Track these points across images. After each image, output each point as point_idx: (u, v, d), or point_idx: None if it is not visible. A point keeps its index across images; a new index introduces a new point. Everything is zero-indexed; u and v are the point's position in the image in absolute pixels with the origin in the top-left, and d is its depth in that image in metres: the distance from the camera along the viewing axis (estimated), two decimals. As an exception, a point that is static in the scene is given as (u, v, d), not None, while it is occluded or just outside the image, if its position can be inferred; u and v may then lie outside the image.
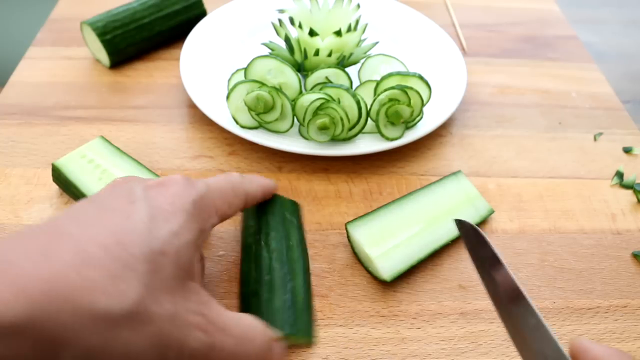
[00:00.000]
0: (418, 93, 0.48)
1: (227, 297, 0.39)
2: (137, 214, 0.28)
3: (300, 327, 0.36)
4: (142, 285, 0.26)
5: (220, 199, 0.34)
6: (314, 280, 0.41)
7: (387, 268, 0.40)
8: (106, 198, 0.30)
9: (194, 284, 0.29)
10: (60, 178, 0.44)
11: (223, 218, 0.34)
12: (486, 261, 0.32)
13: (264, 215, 0.40)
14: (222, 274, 0.41)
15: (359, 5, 0.55)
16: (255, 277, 0.37)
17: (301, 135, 0.50)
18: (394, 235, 0.42)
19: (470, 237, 0.33)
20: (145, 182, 0.31)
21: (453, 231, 0.44)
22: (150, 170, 0.44)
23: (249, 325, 0.31)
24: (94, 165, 0.44)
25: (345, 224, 0.42)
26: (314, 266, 0.42)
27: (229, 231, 0.44)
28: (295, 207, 0.43)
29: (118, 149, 0.46)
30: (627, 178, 0.52)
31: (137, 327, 0.25)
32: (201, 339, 0.28)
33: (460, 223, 0.34)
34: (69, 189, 0.44)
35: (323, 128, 0.47)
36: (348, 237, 0.42)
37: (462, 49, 0.67)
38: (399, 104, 0.48)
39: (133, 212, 0.28)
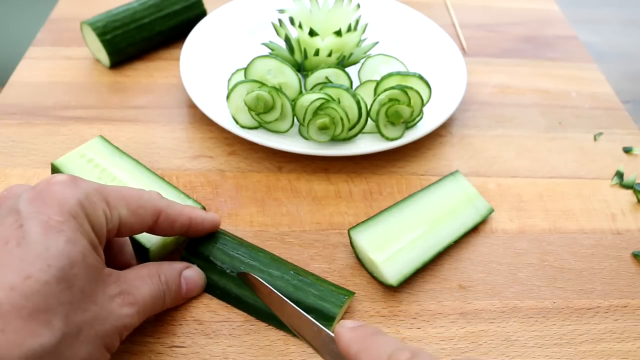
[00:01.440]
0: (418, 93, 0.48)
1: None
2: (30, 237, 0.27)
3: (338, 299, 0.38)
4: (62, 309, 0.27)
5: (115, 199, 0.32)
6: (314, 280, 0.41)
7: (393, 273, 0.40)
8: None
9: (105, 270, 0.31)
10: None
11: (121, 220, 0.33)
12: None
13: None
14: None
15: (359, 5, 0.55)
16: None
17: (301, 135, 0.50)
18: (397, 239, 0.42)
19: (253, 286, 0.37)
20: (27, 192, 0.30)
21: (456, 232, 0.44)
22: (149, 170, 0.44)
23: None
24: (94, 164, 0.44)
25: (348, 230, 0.42)
26: (314, 266, 0.42)
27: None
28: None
29: (117, 148, 0.46)
30: (627, 178, 0.52)
31: (73, 343, 0.27)
32: (131, 312, 0.32)
33: (244, 276, 0.37)
34: None
35: (323, 128, 0.47)
36: (351, 242, 0.42)
37: (462, 49, 0.67)
38: (399, 104, 0.48)
39: (25, 236, 0.27)
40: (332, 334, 0.31)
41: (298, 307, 0.36)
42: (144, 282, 0.34)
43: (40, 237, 0.27)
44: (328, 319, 0.37)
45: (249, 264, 0.39)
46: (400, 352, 0.26)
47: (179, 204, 0.37)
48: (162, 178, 0.44)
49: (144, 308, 0.33)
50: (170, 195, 0.42)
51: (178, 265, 0.38)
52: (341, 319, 0.38)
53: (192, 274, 0.38)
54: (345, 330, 0.29)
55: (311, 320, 0.33)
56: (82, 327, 0.28)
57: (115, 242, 0.37)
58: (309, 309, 0.37)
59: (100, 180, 0.43)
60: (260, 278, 0.37)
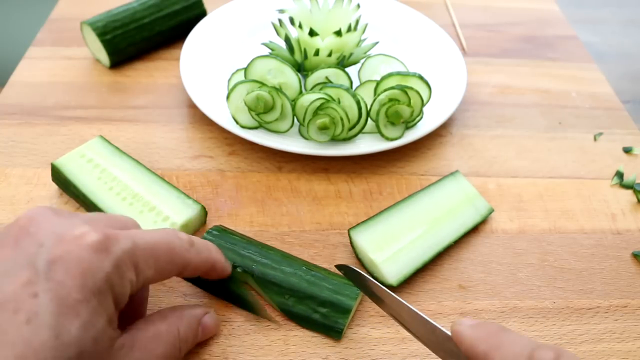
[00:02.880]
0: (418, 93, 0.48)
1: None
2: (42, 316, 0.24)
3: (352, 291, 0.38)
4: None
5: (145, 262, 0.29)
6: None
7: (393, 273, 0.40)
8: (2, 272, 0.25)
9: (118, 342, 0.28)
10: (59, 178, 0.44)
11: (144, 283, 0.30)
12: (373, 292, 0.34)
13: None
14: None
15: (359, 5, 0.55)
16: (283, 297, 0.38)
17: (301, 135, 0.50)
18: (397, 239, 0.42)
19: (355, 278, 0.35)
20: (51, 245, 0.26)
21: (456, 232, 0.44)
22: (149, 170, 0.44)
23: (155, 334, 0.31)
24: (93, 164, 0.44)
25: (348, 230, 0.42)
26: (314, 266, 0.42)
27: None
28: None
29: (117, 148, 0.46)
30: (627, 178, 0.52)
31: None
32: None
33: (342, 269, 0.36)
34: (69, 189, 0.44)
35: (323, 128, 0.47)
36: (351, 242, 0.42)
37: (462, 49, 0.67)
38: (399, 104, 0.48)
39: (37, 312, 0.24)
40: (448, 332, 0.29)
41: (313, 301, 0.37)
42: (159, 342, 0.31)
43: (54, 320, 0.24)
44: (344, 312, 0.37)
45: (260, 262, 0.39)
46: (542, 351, 0.25)
47: (204, 243, 0.34)
48: (162, 178, 0.44)
49: None
50: (171, 195, 0.43)
51: (198, 312, 0.35)
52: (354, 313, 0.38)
53: (210, 321, 0.36)
54: (467, 328, 0.28)
55: (424, 318, 0.31)
56: None
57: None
58: (324, 303, 0.37)
59: (100, 180, 0.43)
60: (273, 275, 0.38)
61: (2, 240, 0.27)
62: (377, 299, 0.34)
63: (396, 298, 0.33)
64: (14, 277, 0.25)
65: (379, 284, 0.34)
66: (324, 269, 0.40)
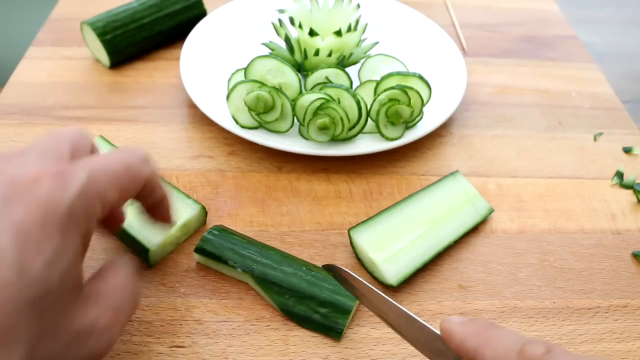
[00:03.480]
0: (418, 93, 0.48)
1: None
2: (2, 254, 0.23)
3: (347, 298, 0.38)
4: (27, 341, 0.23)
5: (106, 189, 0.27)
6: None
7: (393, 273, 0.40)
8: None
9: (85, 291, 0.27)
10: None
11: (110, 208, 0.28)
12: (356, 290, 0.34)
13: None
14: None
15: (359, 5, 0.55)
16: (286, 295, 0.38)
17: (301, 135, 0.50)
18: (397, 239, 0.42)
19: (340, 277, 0.35)
20: (5, 181, 0.25)
21: (456, 232, 0.44)
22: None
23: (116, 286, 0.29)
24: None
25: (348, 230, 0.42)
26: (314, 266, 0.42)
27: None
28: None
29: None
30: (627, 178, 0.52)
31: None
32: (111, 335, 0.27)
33: (329, 268, 0.35)
34: None
35: (323, 128, 0.47)
36: (351, 242, 0.42)
37: (462, 49, 0.67)
38: (399, 104, 0.48)
39: None
40: (437, 331, 0.30)
41: (314, 302, 0.37)
42: (125, 293, 0.29)
43: (16, 258, 0.23)
44: (344, 312, 0.37)
45: (260, 262, 0.39)
46: (532, 345, 0.25)
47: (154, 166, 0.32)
48: (162, 178, 0.44)
49: (123, 323, 0.29)
50: (171, 195, 0.42)
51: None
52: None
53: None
54: (455, 325, 0.28)
55: (413, 317, 0.31)
56: (50, 359, 0.24)
57: None
58: (324, 303, 0.37)
59: None
60: (274, 275, 0.38)
61: None
62: (363, 298, 0.34)
63: (382, 296, 0.32)
64: None
65: (364, 282, 0.33)
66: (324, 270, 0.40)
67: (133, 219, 0.40)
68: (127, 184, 0.29)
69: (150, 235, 0.40)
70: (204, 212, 0.43)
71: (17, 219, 0.24)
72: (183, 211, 0.42)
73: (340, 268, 0.35)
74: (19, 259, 0.23)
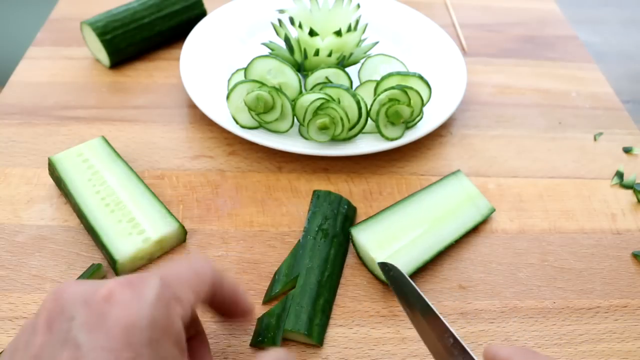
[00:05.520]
0: (418, 93, 0.48)
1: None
2: None
3: (313, 330, 0.37)
4: None
5: (180, 289, 0.28)
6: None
7: None
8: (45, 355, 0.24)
9: None
10: (54, 173, 0.44)
11: (192, 308, 0.28)
12: (413, 302, 0.34)
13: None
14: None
15: (359, 5, 0.55)
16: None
17: (301, 135, 0.50)
18: (398, 238, 0.42)
19: (397, 281, 0.35)
20: (82, 312, 0.25)
21: (457, 232, 0.44)
22: (140, 179, 0.44)
23: None
24: (88, 165, 0.44)
25: (349, 228, 0.42)
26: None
27: (228, 231, 0.44)
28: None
29: (115, 152, 0.46)
30: (627, 178, 0.52)
31: None
32: None
33: (384, 266, 0.35)
34: (60, 185, 0.44)
35: (323, 128, 0.47)
36: (352, 241, 0.42)
37: (462, 49, 0.67)
38: (399, 104, 0.48)
39: None
40: (469, 350, 0.30)
41: None
42: None
43: None
44: None
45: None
46: None
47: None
48: (150, 190, 0.43)
49: None
50: (153, 209, 0.42)
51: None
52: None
53: None
54: (500, 348, 0.28)
55: (451, 330, 0.31)
56: None
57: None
58: None
59: (90, 182, 0.43)
60: None
61: (34, 329, 0.25)
62: (411, 308, 0.33)
63: (436, 314, 0.32)
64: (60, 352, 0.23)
65: (422, 294, 0.33)
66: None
67: (108, 226, 0.40)
68: (197, 283, 0.29)
69: (122, 246, 0.39)
70: (183, 230, 0.42)
71: (102, 345, 0.23)
72: (160, 227, 0.41)
73: (397, 269, 0.35)
74: None
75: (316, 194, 0.45)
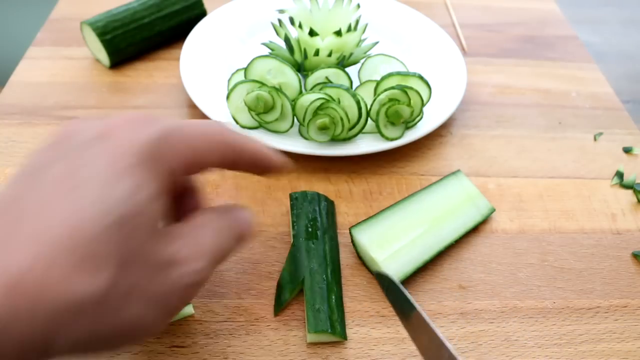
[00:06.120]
0: (418, 93, 0.48)
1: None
2: (93, 176, 0.24)
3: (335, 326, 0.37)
4: (116, 260, 0.24)
5: (194, 137, 0.28)
6: (314, 280, 0.41)
7: (393, 271, 0.40)
8: (52, 163, 0.25)
9: (168, 228, 0.28)
10: None
11: (191, 170, 0.29)
12: (405, 309, 0.33)
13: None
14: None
15: (359, 5, 0.55)
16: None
17: (301, 135, 0.50)
18: (398, 237, 0.42)
19: (390, 289, 0.34)
20: (95, 126, 0.27)
21: (457, 231, 0.44)
22: None
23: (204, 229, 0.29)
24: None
25: (350, 228, 0.42)
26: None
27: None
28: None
29: None
30: (627, 178, 0.52)
31: (122, 299, 0.24)
32: (182, 278, 0.27)
33: (380, 276, 0.35)
34: None
35: (323, 128, 0.47)
36: (352, 240, 0.42)
37: (462, 49, 0.67)
38: (399, 104, 0.48)
39: (89, 176, 0.24)
40: None
41: None
42: (206, 230, 0.29)
43: (104, 178, 0.24)
44: None
45: None
46: None
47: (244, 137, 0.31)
48: None
49: (211, 260, 0.28)
50: None
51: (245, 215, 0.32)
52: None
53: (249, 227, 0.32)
54: None
55: (450, 351, 0.30)
56: (135, 284, 0.25)
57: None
58: None
59: None
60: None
61: (47, 145, 0.27)
62: (404, 315, 0.33)
63: (427, 323, 0.31)
64: (63, 162, 0.25)
65: (414, 302, 0.33)
66: None
67: None
68: (216, 140, 0.29)
69: None
70: None
71: (107, 148, 0.25)
72: None
73: (390, 278, 0.34)
74: (109, 180, 0.24)
75: (294, 197, 0.44)
